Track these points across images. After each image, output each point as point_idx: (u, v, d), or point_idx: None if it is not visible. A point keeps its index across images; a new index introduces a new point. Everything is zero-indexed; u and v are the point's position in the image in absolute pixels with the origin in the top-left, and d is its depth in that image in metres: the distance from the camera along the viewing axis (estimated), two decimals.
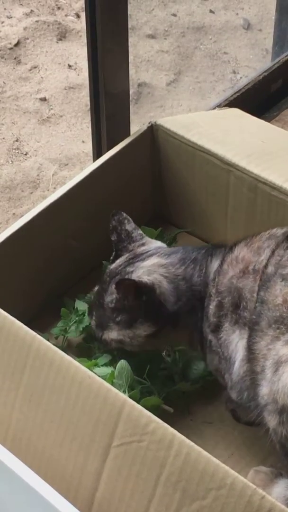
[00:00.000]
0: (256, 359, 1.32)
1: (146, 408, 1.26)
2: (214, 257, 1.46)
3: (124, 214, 1.56)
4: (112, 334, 1.49)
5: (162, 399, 1.50)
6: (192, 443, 1.18)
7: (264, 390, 1.30)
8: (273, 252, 1.38)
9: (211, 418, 1.53)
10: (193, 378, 1.55)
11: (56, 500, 1.14)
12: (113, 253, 1.55)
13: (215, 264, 1.45)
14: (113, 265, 1.53)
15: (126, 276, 1.46)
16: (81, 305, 1.65)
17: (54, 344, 1.34)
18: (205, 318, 1.44)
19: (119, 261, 1.52)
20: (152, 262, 1.48)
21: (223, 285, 1.41)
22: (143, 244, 1.54)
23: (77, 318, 1.62)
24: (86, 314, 1.62)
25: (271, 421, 1.30)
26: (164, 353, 1.57)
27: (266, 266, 1.37)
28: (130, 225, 1.55)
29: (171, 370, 1.56)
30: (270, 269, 1.36)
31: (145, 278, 1.44)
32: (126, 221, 1.56)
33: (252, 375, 1.35)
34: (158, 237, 1.71)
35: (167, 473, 1.19)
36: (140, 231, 1.56)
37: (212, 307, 1.42)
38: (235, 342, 1.38)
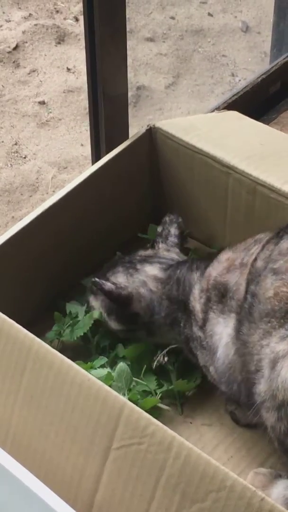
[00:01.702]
0: (250, 353, 1.33)
1: (145, 410, 1.26)
2: (195, 270, 1.51)
3: (180, 219, 1.69)
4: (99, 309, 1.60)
5: (160, 399, 1.51)
6: (191, 445, 1.18)
7: (261, 387, 1.30)
8: (262, 248, 1.40)
9: (211, 421, 1.53)
10: (191, 375, 1.55)
11: (56, 502, 1.14)
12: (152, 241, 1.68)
13: (197, 274, 1.50)
14: (140, 252, 1.64)
15: (112, 278, 1.56)
16: (73, 308, 1.65)
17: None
18: (194, 321, 1.47)
19: (144, 252, 1.63)
20: (153, 272, 1.56)
21: (210, 284, 1.44)
22: (168, 250, 1.63)
23: (71, 321, 1.62)
24: (81, 317, 1.63)
25: (269, 418, 1.30)
26: (156, 362, 1.57)
27: (255, 260, 1.38)
28: (175, 229, 1.67)
29: (167, 369, 1.56)
30: (260, 263, 1.37)
31: (124, 291, 1.53)
32: (175, 224, 1.68)
33: (244, 371, 1.35)
34: None
35: (167, 475, 1.19)
36: (176, 240, 1.65)
37: (199, 304, 1.46)
38: (219, 332, 1.41)
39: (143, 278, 1.56)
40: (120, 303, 1.54)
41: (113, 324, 1.59)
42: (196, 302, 1.47)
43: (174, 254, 1.62)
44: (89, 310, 1.65)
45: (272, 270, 1.34)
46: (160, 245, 1.65)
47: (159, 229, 1.68)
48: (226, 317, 1.40)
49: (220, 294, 1.42)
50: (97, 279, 1.53)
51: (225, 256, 1.47)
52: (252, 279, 1.37)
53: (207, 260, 1.52)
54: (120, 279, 1.57)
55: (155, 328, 1.55)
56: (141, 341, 1.58)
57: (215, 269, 1.46)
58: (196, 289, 1.49)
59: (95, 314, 1.62)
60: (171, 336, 1.54)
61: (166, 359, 1.57)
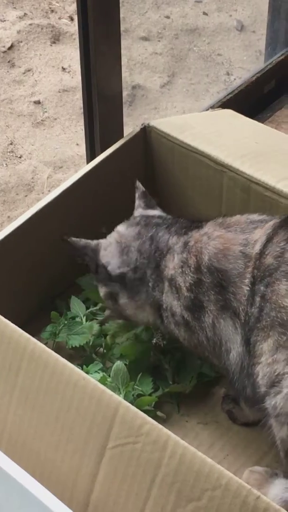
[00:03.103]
0: (258, 363, 1.31)
1: (141, 409, 1.26)
2: (174, 233, 1.46)
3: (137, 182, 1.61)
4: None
5: (155, 406, 1.51)
6: (186, 444, 1.19)
7: (277, 403, 1.28)
8: (269, 240, 1.35)
9: (206, 419, 1.53)
10: (187, 377, 1.55)
11: (52, 502, 1.13)
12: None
13: (174, 239, 1.44)
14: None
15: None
16: (76, 304, 1.65)
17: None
18: (169, 289, 1.43)
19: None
20: (121, 227, 1.53)
21: (203, 264, 1.38)
22: (148, 211, 1.56)
23: (66, 322, 1.62)
24: (80, 314, 1.63)
25: (282, 431, 1.30)
26: (153, 341, 1.55)
27: (262, 254, 1.33)
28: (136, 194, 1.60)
29: (164, 370, 1.56)
30: (270, 261, 1.32)
31: (92, 242, 1.51)
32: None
33: (253, 378, 1.34)
34: None
35: (162, 474, 1.19)
36: (137, 201, 1.59)
37: (183, 280, 1.40)
38: (228, 332, 1.36)
39: (112, 233, 1.53)
40: (89, 252, 1.51)
41: (100, 291, 1.55)
42: (178, 274, 1.41)
43: (155, 212, 1.56)
44: (90, 313, 1.65)
45: (287, 274, 1.30)
46: (135, 212, 1.58)
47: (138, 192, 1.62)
48: (233, 317, 1.35)
49: (218, 285, 1.36)
50: (65, 237, 1.52)
51: (216, 233, 1.41)
52: (261, 277, 1.32)
53: (187, 225, 1.47)
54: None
55: (128, 284, 1.48)
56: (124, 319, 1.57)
57: (207, 246, 1.39)
58: (175, 258, 1.42)
59: (94, 326, 1.62)
60: (149, 308, 1.49)
61: (164, 342, 1.55)
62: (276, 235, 1.35)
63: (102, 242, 1.53)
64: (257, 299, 1.32)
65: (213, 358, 1.43)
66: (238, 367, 1.37)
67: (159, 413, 1.51)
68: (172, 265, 1.43)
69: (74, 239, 1.53)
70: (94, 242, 1.53)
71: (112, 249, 1.51)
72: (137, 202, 1.58)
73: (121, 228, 1.53)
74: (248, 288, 1.33)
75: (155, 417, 1.48)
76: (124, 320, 1.58)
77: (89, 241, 1.53)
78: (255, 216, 1.43)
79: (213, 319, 1.38)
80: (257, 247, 1.35)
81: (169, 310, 1.44)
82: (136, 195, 1.59)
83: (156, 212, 1.56)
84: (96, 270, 1.53)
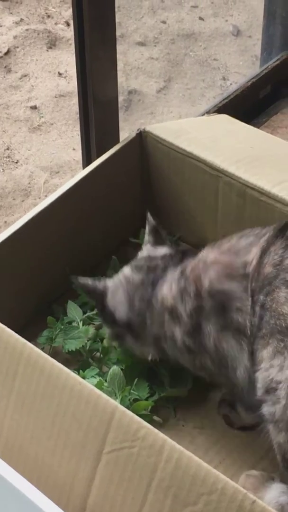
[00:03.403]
0: (258, 370, 1.31)
1: (137, 414, 1.26)
2: (172, 268, 1.46)
3: (148, 214, 1.61)
4: None
5: (151, 410, 1.51)
6: (182, 448, 1.19)
7: (276, 411, 1.28)
8: (265, 251, 1.35)
9: (203, 424, 1.53)
10: (183, 381, 1.55)
11: (48, 506, 1.14)
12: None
13: (174, 270, 1.45)
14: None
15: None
16: (72, 309, 1.65)
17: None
18: (169, 319, 1.43)
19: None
20: (126, 271, 1.53)
21: (203, 290, 1.39)
22: (155, 249, 1.56)
23: (62, 327, 1.62)
24: (77, 319, 1.63)
25: (279, 437, 1.29)
26: (150, 357, 1.55)
27: (259, 265, 1.33)
28: (147, 227, 1.60)
29: (160, 375, 1.57)
30: (268, 269, 1.32)
31: (99, 285, 1.52)
32: (147, 222, 1.60)
33: (253, 384, 1.34)
34: None
35: (158, 478, 1.19)
36: (147, 236, 1.59)
37: (183, 307, 1.40)
38: (233, 352, 1.37)
39: (119, 276, 1.53)
40: (96, 295, 1.53)
41: (106, 331, 1.58)
42: (177, 302, 1.41)
43: (161, 251, 1.55)
44: (87, 317, 1.66)
45: (286, 282, 1.29)
46: (143, 248, 1.59)
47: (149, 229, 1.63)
48: (237, 336, 1.35)
49: (220, 308, 1.37)
50: (74, 276, 1.54)
51: (211, 256, 1.41)
52: (261, 287, 1.32)
53: (183, 253, 1.48)
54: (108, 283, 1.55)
55: (133, 329, 1.50)
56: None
57: (205, 272, 1.40)
58: (173, 287, 1.42)
59: (90, 330, 1.63)
60: (146, 336, 1.50)
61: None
62: (273, 244, 1.35)
63: (109, 286, 1.53)
64: (257, 309, 1.32)
65: (220, 378, 1.44)
66: (246, 381, 1.38)
67: (155, 417, 1.52)
68: (171, 294, 1.43)
69: (82, 279, 1.54)
70: (101, 286, 1.53)
71: (119, 296, 1.51)
72: (146, 237, 1.59)
73: (127, 272, 1.53)
74: (250, 303, 1.33)
75: (151, 422, 1.48)
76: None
77: (96, 283, 1.53)
78: (247, 233, 1.42)
79: (215, 342, 1.39)
80: (254, 262, 1.35)
81: (170, 338, 1.45)
82: (147, 229, 1.59)
83: (163, 250, 1.54)
84: (102, 312, 1.55)
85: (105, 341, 1.62)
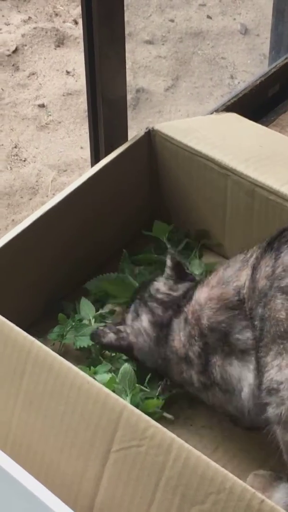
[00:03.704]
0: (262, 373, 1.31)
1: (147, 413, 1.26)
2: (177, 315, 1.48)
3: (169, 247, 1.67)
4: None
5: (163, 408, 1.51)
6: (191, 447, 1.19)
7: (283, 413, 1.28)
8: (255, 269, 1.35)
9: (211, 423, 1.53)
10: None
11: (56, 505, 1.14)
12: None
13: (176, 321, 1.48)
14: (157, 285, 1.57)
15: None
16: (85, 306, 1.66)
17: (52, 348, 1.34)
18: (187, 367, 1.46)
19: (160, 287, 1.57)
20: (145, 323, 1.54)
21: (203, 328, 1.41)
22: (174, 288, 1.56)
23: (73, 324, 1.63)
24: (89, 317, 1.64)
25: (286, 435, 1.29)
26: (159, 389, 1.57)
27: (253, 282, 1.34)
28: (168, 261, 1.60)
29: None
30: (263, 283, 1.33)
31: (124, 342, 1.54)
32: (168, 255, 1.61)
33: (258, 389, 1.34)
34: (169, 234, 1.78)
35: (166, 477, 1.19)
36: (169, 271, 1.59)
37: (193, 352, 1.44)
38: (237, 372, 1.38)
39: (139, 326, 1.55)
40: (123, 351, 1.57)
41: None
42: (188, 349, 1.45)
43: (179, 291, 1.55)
44: (99, 315, 1.66)
45: (280, 289, 1.29)
46: (166, 282, 1.59)
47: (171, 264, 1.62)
48: (240, 356, 1.37)
49: (223, 336, 1.38)
50: (97, 331, 1.56)
51: (203, 295, 1.42)
52: (257, 302, 1.33)
53: (181, 298, 1.50)
54: (128, 321, 1.57)
55: (162, 369, 1.54)
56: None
57: (203, 312, 1.42)
58: (181, 336, 1.46)
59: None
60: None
61: (169, 382, 1.56)
62: (262, 259, 1.36)
63: (132, 341, 1.54)
64: (257, 323, 1.33)
65: (229, 408, 1.45)
66: (252, 402, 1.38)
67: (166, 414, 1.51)
68: (181, 344, 1.46)
69: (104, 340, 1.56)
70: (125, 344, 1.55)
71: (144, 353, 1.54)
72: (168, 271, 1.59)
73: (145, 324, 1.54)
74: (250, 321, 1.35)
75: (162, 419, 1.49)
76: None
77: (119, 341, 1.55)
78: (232, 261, 1.43)
79: (220, 369, 1.40)
80: (247, 284, 1.36)
81: (190, 382, 1.48)
82: (168, 263, 1.60)
83: (180, 289, 1.55)
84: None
85: None
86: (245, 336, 1.36)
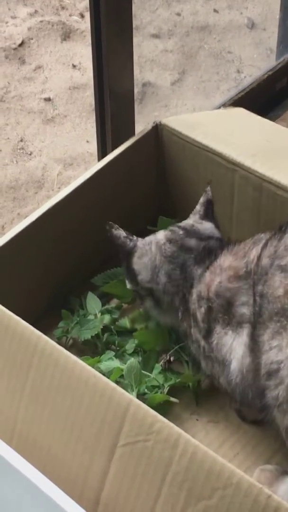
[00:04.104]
0: (260, 354, 1.32)
1: (153, 406, 1.26)
2: (199, 264, 1.48)
3: (208, 187, 1.60)
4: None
5: (167, 394, 1.51)
6: (197, 443, 1.18)
7: (280, 393, 1.28)
8: (263, 248, 1.37)
9: (217, 418, 1.53)
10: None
11: (62, 499, 1.14)
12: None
13: (199, 271, 1.47)
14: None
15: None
16: (92, 300, 1.65)
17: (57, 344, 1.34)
18: (194, 324, 1.46)
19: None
20: (160, 237, 1.54)
21: (211, 291, 1.41)
22: (199, 222, 1.56)
23: (78, 319, 1.63)
24: (94, 312, 1.64)
25: (285, 419, 1.29)
26: (161, 363, 1.58)
27: (259, 259, 1.36)
28: (202, 197, 1.60)
29: (182, 360, 1.57)
30: (265, 261, 1.35)
31: (131, 242, 1.54)
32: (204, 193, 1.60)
33: (256, 374, 1.34)
34: None
35: (173, 472, 1.19)
36: (198, 206, 1.59)
37: (199, 313, 1.43)
38: (229, 343, 1.38)
39: (152, 239, 1.54)
40: (124, 251, 1.54)
41: (127, 284, 1.59)
42: (196, 309, 1.45)
43: (204, 226, 1.56)
44: (105, 310, 1.66)
45: (280, 267, 1.32)
46: (191, 216, 1.59)
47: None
48: (235, 327, 1.37)
49: (226, 304, 1.39)
50: (112, 223, 1.55)
51: (227, 262, 1.43)
52: (258, 279, 1.35)
53: (208, 253, 1.48)
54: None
55: (155, 297, 1.52)
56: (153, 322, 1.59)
57: (218, 276, 1.42)
58: (194, 293, 1.46)
59: (106, 318, 1.63)
60: (173, 316, 1.52)
61: (172, 358, 1.57)
62: (270, 240, 1.38)
63: (139, 246, 1.54)
64: (257, 298, 1.34)
65: (221, 378, 1.44)
66: (240, 378, 1.38)
67: (172, 398, 1.51)
68: (192, 300, 1.46)
69: (115, 231, 1.55)
70: (130, 244, 1.54)
71: (145, 261, 1.53)
72: (198, 206, 1.59)
73: (162, 238, 1.54)
74: (252, 295, 1.36)
75: (167, 404, 1.50)
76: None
77: (127, 240, 1.55)
78: (258, 236, 1.44)
79: (218, 338, 1.40)
80: (255, 260, 1.38)
81: (196, 342, 1.47)
82: (202, 199, 1.59)
83: (208, 226, 1.55)
84: (126, 269, 1.56)
85: (128, 322, 1.64)
86: (246, 310, 1.36)
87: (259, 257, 1.37)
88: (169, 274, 1.50)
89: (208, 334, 1.42)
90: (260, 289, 1.34)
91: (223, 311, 1.39)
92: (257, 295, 1.34)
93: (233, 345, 1.38)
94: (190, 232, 1.53)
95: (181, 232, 1.54)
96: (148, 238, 1.56)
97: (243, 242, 1.45)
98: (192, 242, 1.51)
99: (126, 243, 1.54)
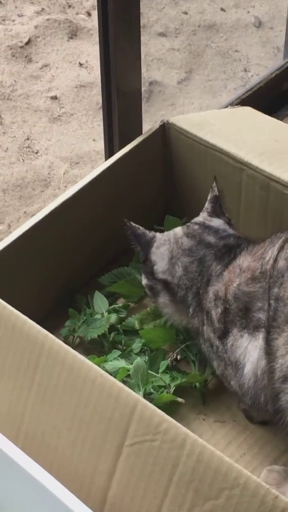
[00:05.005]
0: (274, 360, 1.31)
1: (159, 406, 1.26)
2: (219, 261, 1.47)
3: (214, 183, 1.59)
4: None
5: (173, 394, 1.51)
6: (204, 443, 1.18)
7: None
8: (282, 248, 1.37)
9: (224, 418, 1.53)
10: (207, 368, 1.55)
11: (69, 499, 1.14)
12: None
13: (218, 268, 1.46)
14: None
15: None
16: (99, 299, 1.65)
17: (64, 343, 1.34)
18: (207, 322, 1.45)
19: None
20: (178, 230, 1.54)
21: (229, 293, 1.40)
22: (210, 220, 1.56)
23: (84, 318, 1.62)
24: (102, 311, 1.64)
25: None
26: (169, 361, 1.58)
27: (275, 261, 1.35)
28: (210, 194, 1.59)
29: (189, 360, 1.57)
30: (282, 263, 1.34)
31: (150, 233, 1.54)
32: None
33: (270, 377, 1.34)
34: None
35: (180, 472, 1.19)
36: (207, 203, 1.59)
37: (215, 313, 1.42)
38: (244, 346, 1.38)
39: (170, 233, 1.55)
40: (143, 242, 1.54)
41: (142, 280, 1.58)
42: (212, 308, 1.44)
43: (215, 223, 1.55)
44: (112, 309, 1.65)
45: None
46: (200, 214, 1.59)
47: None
48: (251, 331, 1.36)
49: (244, 308, 1.38)
50: (127, 220, 1.55)
51: (246, 263, 1.42)
52: (274, 282, 1.34)
53: (229, 251, 1.48)
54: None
55: (170, 290, 1.51)
56: (164, 316, 1.58)
57: (237, 277, 1.41)
58: (210, 291, 1.45)
59: (112, 318, 1.63)
60: (184, 312, 1.51)
61: (179, 357, 1.56)
62: (287, 241, 1.37)
63: (158, 237, 1.54)
64: (272, 302, 1.33)
65: (233, 380, 1.43)
66: (252, 382, 1.37)
67: (178, 399, 1.51)
68: (208, 298, 1.45)
69: (133, 225, 1.55)
70: (150, 235, 1.54)
71: (163, 251, 1.52)
72: (206, 204, 1.59)
73: (179, 232, 1.54)
74: (267, 299, 1.35)
75: (174, 404, 1.49)
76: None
77: (146, 231, 1.55)
78: (275, 237, 1.44)
79: (233, 340, 1.39)
80: (271, 262, 1.37)
81: (208, 341, 1.46)
82: (209, 196, 1.59)
83: (218, 223, 1.55)
84: (144, 261, 1.55)
85: (136, 323, 1.63)
86: (262, 315, 1.35)
87: (275, 259, 1.36)
88: (186, 266, 1.49)
89: (224, 335, 1.41)
90: (276, 292, 1.33)
91: (241, 315, 1.38)
92: (272, 298, 1.33)
93: (248, 348, 1.37)
94: (207, 228, 1.53)
95: (196, 227, 1.54)
96: (166, 233, 1.56)
97: (262, 242, 1.44)
98: (210, 238, 1.51)
99: (146, 233, 1.55)
